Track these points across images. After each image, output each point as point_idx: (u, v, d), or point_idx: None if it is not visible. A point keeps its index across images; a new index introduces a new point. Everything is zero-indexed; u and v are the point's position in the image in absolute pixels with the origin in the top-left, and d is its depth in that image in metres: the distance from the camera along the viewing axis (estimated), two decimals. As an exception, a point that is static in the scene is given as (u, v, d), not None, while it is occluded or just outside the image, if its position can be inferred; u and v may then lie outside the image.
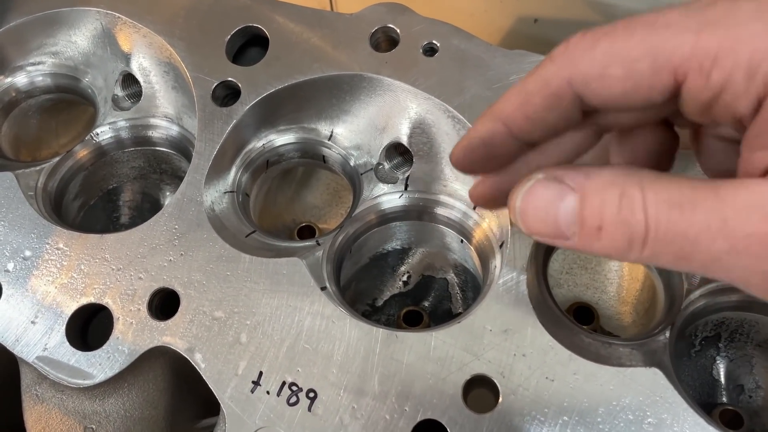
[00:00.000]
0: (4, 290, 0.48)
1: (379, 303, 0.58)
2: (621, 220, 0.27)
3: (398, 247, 0.56)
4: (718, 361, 0.51)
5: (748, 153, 0.27)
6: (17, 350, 0.46)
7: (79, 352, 0.45)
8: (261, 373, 0.42)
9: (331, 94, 0.52)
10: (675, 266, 0.28)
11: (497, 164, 0.34)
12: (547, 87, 0.30)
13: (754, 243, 0.25)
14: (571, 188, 0.29)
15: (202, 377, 0.43)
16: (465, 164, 0.34)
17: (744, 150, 0.27)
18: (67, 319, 0.46)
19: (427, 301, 0.58)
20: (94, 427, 0.46)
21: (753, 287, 0.27)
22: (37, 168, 0.55)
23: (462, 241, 0.52)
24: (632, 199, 0.27)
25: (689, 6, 0.27)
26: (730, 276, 0.27)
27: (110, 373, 0.44)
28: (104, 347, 0.45)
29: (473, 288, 0.55)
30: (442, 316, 0.57)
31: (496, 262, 0.47)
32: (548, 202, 0.29)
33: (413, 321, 0.56)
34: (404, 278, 0.58)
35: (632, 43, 0.27)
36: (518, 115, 0.31)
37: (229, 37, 0.54)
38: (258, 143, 0.54)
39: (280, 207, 0.63)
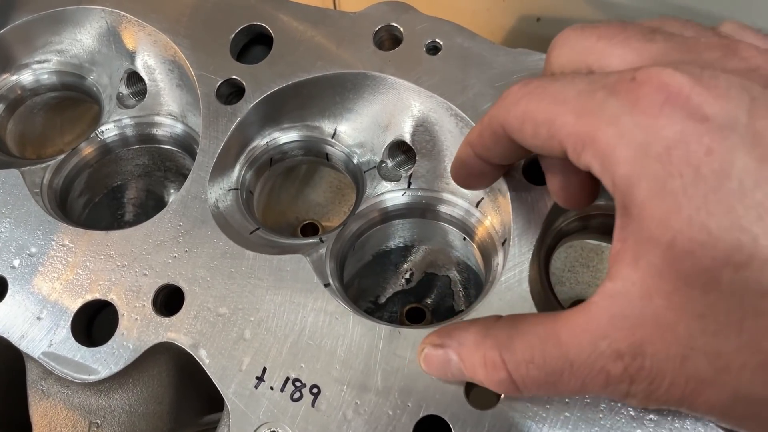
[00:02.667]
0: (9, 286, 0.48)
1: (382, 300, 0.58)
2: (491, 378, 0.35)
3: (401, 245, 0.56)
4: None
5: (614, 248, 0.31)
6: (23, 346, 0.46)
7: (84, 348, 0.45)
8: (265, 369, 0.43)
9: (334, 92, 0.52)
10: (555, 396, 0.36)
11: (483, 180, 0.43)
12: (491, 125, 0.36)
13: (595, 377, 0.31)
14: (453, 353, 0.37)
15: (206, 373, 0.43)
16: (458, 180, 0.44)
17: (614, 235, 0.31)
18: (72, 315, 0.46)
19: (429, 299, 0.58)
20: (99, 422, 0.47)
21: (625, 402, 0.34)
22: (43, 165, 0.55)
23: (464, 238, 0.52)
24: (494, 362, 0.34)
25: (585, 85, 0.30)
26: (598, 396, 0.34)
27: (115, 369, 0.45)
28: (109, 343, 0.45)
29: (476, 285, 0.55)
30: (445, 313, 0.57)
31: (499, 259, 0.47)
32: (439, 366, 0.38)
33: (416, 318, 0.57)
34: (407, 276, 0.58)
35: (540, 107, 0.32)
36: (477, 142, 0.38)
37: (233, 35, 0.54)
38: (262, 141, 0.54)
39: (283, 205, 0.63)
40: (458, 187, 0.51)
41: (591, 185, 0.39)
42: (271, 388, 0.42)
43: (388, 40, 0.52)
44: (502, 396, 0.40)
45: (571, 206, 0.41)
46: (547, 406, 0.39)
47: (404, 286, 0.58)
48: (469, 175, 0.42)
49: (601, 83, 0.30)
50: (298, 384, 0.42)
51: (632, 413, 0.38)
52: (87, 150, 0.58)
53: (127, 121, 0.59)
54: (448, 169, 0.51)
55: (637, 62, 0.31)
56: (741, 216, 0.26)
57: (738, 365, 0.27)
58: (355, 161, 0.54)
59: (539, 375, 0.33)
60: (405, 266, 0.58)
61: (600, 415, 0.38)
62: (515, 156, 0.38)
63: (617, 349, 0.30)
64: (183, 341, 0.44)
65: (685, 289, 0.27)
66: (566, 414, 0.39)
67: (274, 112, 0.53)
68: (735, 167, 0.26)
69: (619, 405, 0.39)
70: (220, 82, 0.52)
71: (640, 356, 0.29)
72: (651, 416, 0.38)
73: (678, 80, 0.28)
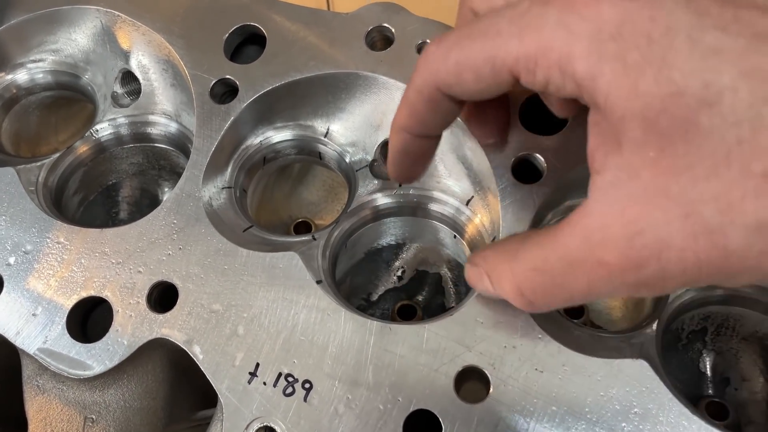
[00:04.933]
0: (5, 283, 0.48)
1: (374, 297, 0.59)
2: (506, 291, 0.36)
3: (392, 243, 0.57)
4: (704, 354, 0.52)
5: (592, 145, 0.32)
6: (18, 342, 0.47)
7: (79, 344, 0.46)
8: (258, 365, 0.43)
9: (327, 91, 0.53)
10: (570, 304, 0.35)
11: (425, 162, 0.43)
12: (422, 94, 0.36)
13: (596, 272, 0.31)
14: (483, 270, 0.38)
15: (200, 369, 0.44)
16: (401, 175, 0.43)
17: (589, 135, 0.32)
18: (67, 311, 0.47)
19: (420, 296, 0.59)
20: (94, 417, 0.47)
21: (642, 294, 0.33)
22: (38, 164, 0.56)
23: (455, 236, 0.53)
24: (505, 275, 0.35)
25: (513, 11, 0.32)
26: (612, 295, 0.33)
27: (110, 365, 0.45)
28: (104, 339, 0.46)
29: (466, 283, 0.56)
30: (436, 310, 0.58)
31: (488, 256, 0.48)
32: (477, 282, 0.39)
33: (407, 315, 0.57)
34: (398, 273, 0.59)
35: (475, 52, 0.33)
36: (412, 122, 0.38)
37: (227, 35, 0.55)
38: (255, 140, 0.55)
39: (276, 203, 0.63)
40: (449, 185, 0.52)
41: (504, 117, 0.44)
42: (264, 384, 0.43)
43: (380, 40, 0.53)
44: (491, 390, 0.40)
45: (494, 143, 0.45)
46: (535, 400, 0.40)
47: (396, 284, 0.59)
48: (413, 163, 0.42)
49: (528, 2, 0.31)
50: (290, 379, 0.43)
51: (617, 407, 0.39)
52: (82, 149, 0.59)
53: (122, 120, 0.59)
54: (439, 168, 0.52)
55: None
56: (698, 59, 0.27)
57: (738, 198, 0.27)
58: (347, 160, 0.55)
59: (544, 281, 0.33)
60: (397, 264, 0.58)
61: (586, 409, 0.39)
62: (454, 114, 0.38)
63: (608, 236, 0.30)
64: (177, 337, 0.45)
65: (669, 147, 0.28)
66: (553, 408, 0.40)
67: (268, 111, 0.54)
68: (679, 24, 0.28)
69: (605, 399, 0.39)
70: (213, 82, 0.53)
71: (637, 236, 0.29)
72: (636, 410, 0.39)
73: None
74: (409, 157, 0.41)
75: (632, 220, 0.29)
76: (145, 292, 0.47)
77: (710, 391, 0.51)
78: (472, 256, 0.40)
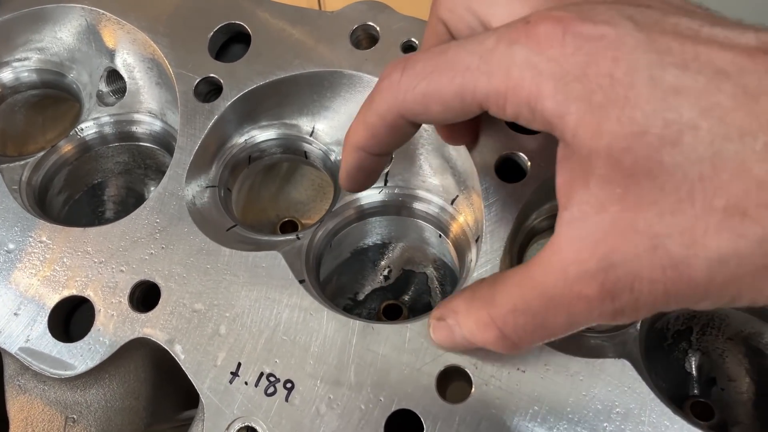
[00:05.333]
0: (-13, 283, 0.48)
1: (361, 297, 0.59)
2: (487, 338, 0.36)
3: (379, 242, 0.57)
4: (690, 354, 0.52)
5: (560, 180, 0.32)
6: (0, 342, 0.46)
7: (61, 344, 0.46)
8: (239, 364, 0.43)
9: (312, 90, 0.53)
10: (551, 339, 0.35)
11: (377, 175, 0.44)
12: (384, 120, 0.37)
13: (575, 306, 0.32)
14: (454, 322, 0.38)
15: (182, 369, 0.44)
16: (354, 187, 0.44)
17: (558, 169, 0.33)
18: (49, 311, 0.46)
19: (407, 295, 0.59)
20: (75, 417, 0.47)
21: (620, 321, 0.33)
22: (22, 162, 0.55)
23: (440, 235, 0.53)
24: (485, 321, 0.36)
25: (480, 47, 0.33)
26: (589, 325, 0.33)
27: (91, 364, 0.45)
28: (85, 339, 0.45)
29: (452, 282, 0.56)
30: (422, 309, 0.58)
31: (472, 255, 0.48)
32: (446, 337, 0.40)
33: (393, 315, 0.57)
34: (385, 272, 0.58)
35: (443, 85, 0.34)
36: (371, 142, 0.40)
37: (211, 33, 0.54)
38: (240, 139, 0.55)
39: (263, 202, 0.63)
40: (434, 185, 0.52)
41: (474, 125, 0.45)
42: (246, 383, 0.43)
43: (365, 39, 0.53)
44: (473, 389, 0.40)
45: (458, 144, 0.46)
46: (517, 399, 0.40)
47: (383, 283, 0.59)
48: (367, 177, 0.43)
49: (494, 39, 0.32)
50: (272, 379, 0.43)
51: (599, 406, 0.39)
52: (66, 147, 0.59)
53: (107, 119, 0.59)
54: (425, 167, 0.51)
55: (522, 10, 0.34)
56: (659, 99, 0.28)
57: (701, 233, 0.28)
58: (332, 159, 0.54)
59: (526, 321, 0.34)
60: (383, 263, 0.58)
61: (568, 408, 0.39)
62: (413, 134, 0.39)
63: (585, 270, 0.30)
64: (159, 337, 0.45)
65: (634, 185, 0.29)
66: (535, 407, 0.39)
67: (252, 110, 0.53)
68: (641, 63, 0.29)
69: (587, 399, 0.39)
70: (198, 80, 0.53)
71: (611, 268, 0.30)
72: (618, 410, 0.39)
73: (567, 15, 0.31)
74: (363, 173, 0.42)
75: (605, 254, 0.30)
76: (128, 291, 0.46)
77: (696, 392, 0.51)
78: (435, 312, 0.40)
